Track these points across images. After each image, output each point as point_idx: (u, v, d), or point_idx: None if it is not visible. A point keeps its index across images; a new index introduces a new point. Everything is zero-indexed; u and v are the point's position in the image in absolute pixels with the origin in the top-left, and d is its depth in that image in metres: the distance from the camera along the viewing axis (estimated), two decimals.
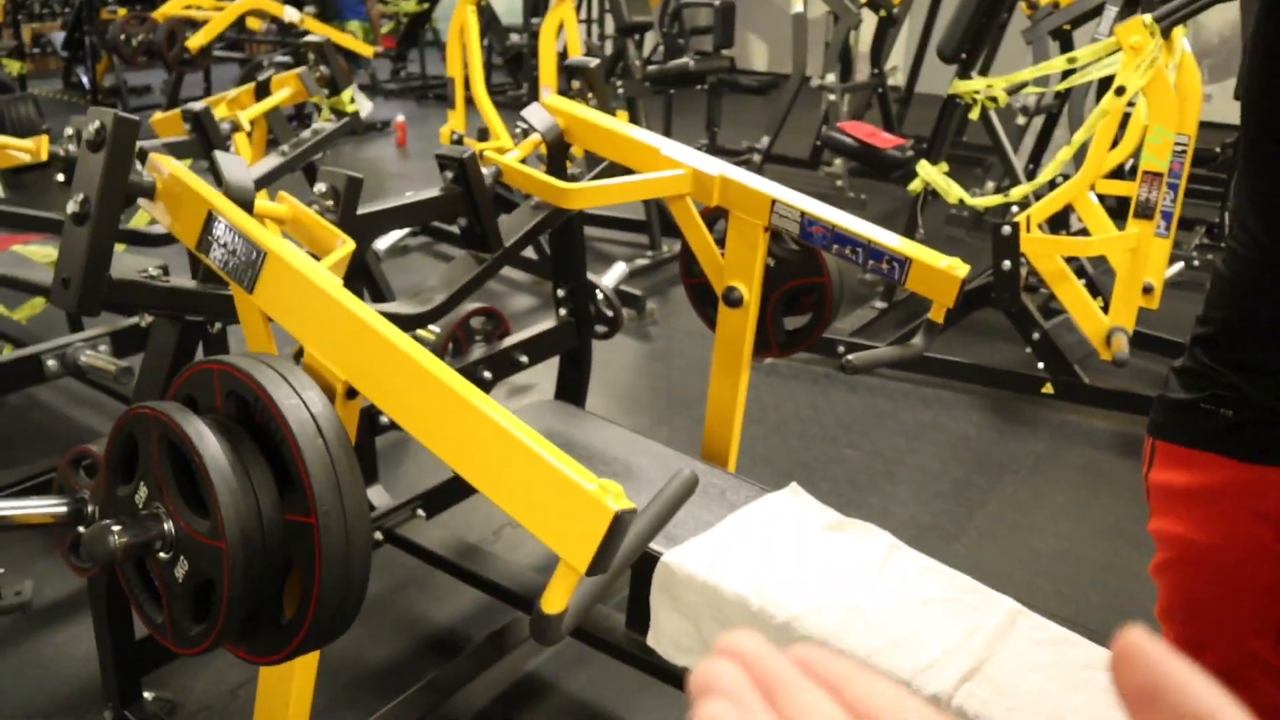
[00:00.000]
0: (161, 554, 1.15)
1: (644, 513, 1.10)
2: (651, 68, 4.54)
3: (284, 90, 2.65)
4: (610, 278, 3.51)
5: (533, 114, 2.12)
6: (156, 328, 1.58)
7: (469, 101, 4.44)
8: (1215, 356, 1.03)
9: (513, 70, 6.99)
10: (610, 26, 8.88)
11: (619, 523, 0.99)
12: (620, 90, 4.36)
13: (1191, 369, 1.05)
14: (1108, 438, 3.15)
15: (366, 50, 6.66)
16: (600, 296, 2.46)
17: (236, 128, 2.55)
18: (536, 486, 1.04)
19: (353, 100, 2.68)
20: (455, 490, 2.34)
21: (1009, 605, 1.47)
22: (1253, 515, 0.99)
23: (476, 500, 2.48)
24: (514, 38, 7.88)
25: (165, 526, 1.14)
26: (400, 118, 7.14)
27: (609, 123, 2.15)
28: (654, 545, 1.55)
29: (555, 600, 1.05)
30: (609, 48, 6.62)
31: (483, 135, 4.29)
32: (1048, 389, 3.30)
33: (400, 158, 6.87)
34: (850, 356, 1.81)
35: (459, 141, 3.95)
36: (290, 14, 6.20)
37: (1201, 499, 1.03)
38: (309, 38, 2.65)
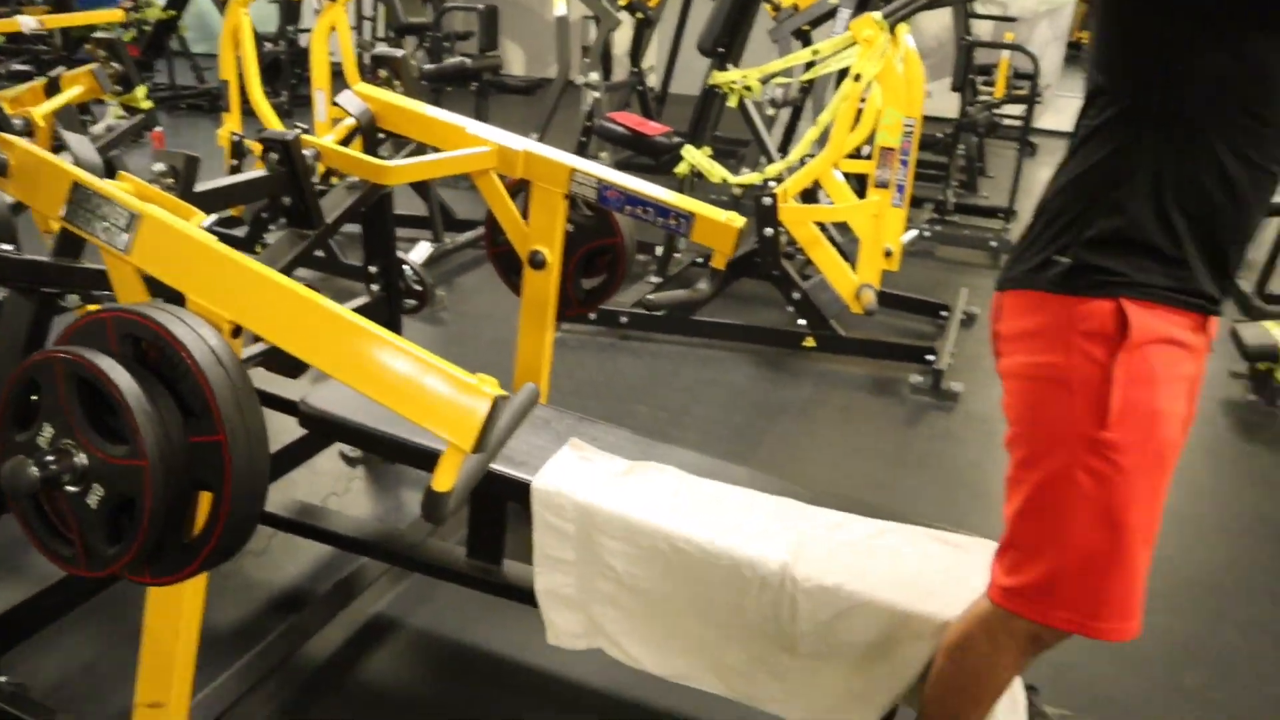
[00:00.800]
0: (70, 487, 1.28)
1: (508, 405, 1.33)
2: (428, 67, 4.69)
3: (75, 88, 2.67)
4: (417, 254, 3.67)
5: (347, 100, 2.28)
6: (10, 304, 1.66)
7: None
8: (1059, 217, 1.33)
9: (270, 78, 6.94)
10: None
11: (497, 406, 1.22)
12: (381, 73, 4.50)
13: (1044, 234, 1.34)
14: (863, 381, 3.60)
15: None
16: (409, 272, 2.64)
17: (30, 125, 2.56)
18: (424, 384, 1.25)
19: (147, 96, 2.73)
20: (288, 459, 2.47)
21: (794, 502, 1.81)
22: (1081, 334, 1.30)
23: (299, 474, 2.61)
24: (268, 45, 7.80)
25: (76, 460, 1.27)
26: (158, 128, 6.92)
27: (418, 106, 2.35)
28: (517, 473, 1.77)
29: (444, 480, 1.27)
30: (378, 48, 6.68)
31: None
32: (809, 343, 3.72)
33: None
34: (650, 295, 2.10)
35: (240, 141, 3.97)
36: (26, 24, 5.92)
37: (1045, 331, 1.33)
38: (99, 34, 2.68)
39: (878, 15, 3.33)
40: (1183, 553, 2.62)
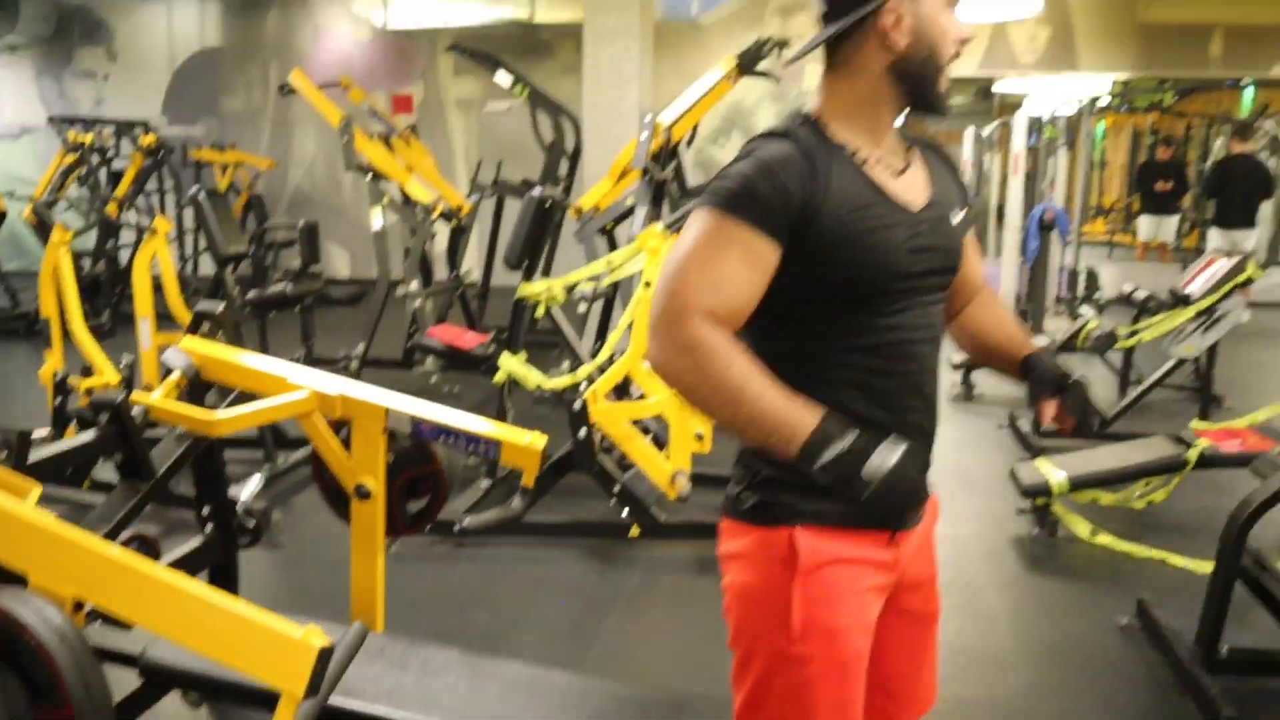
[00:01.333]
0: None
1: (337, 647, 1.50)
2: (251, 294, 4.87)
3: None
4: (247, 492, 3.75)
5: (172, 356, 2.46)
6: None
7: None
8: (744, 459, 1.57)
9: (90, 296, 6.97)
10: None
11: (323, 656, 1.40)
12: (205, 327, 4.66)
13: (738, 472, 1.58)
14: (689, 562, 3.84)
15: None
16: (241, 510, 2.77)
17: None
18: (256, 641, 1.42)
19: None
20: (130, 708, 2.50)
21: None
22: (769, 559, 1.50)
23: None
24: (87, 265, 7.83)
25: None
26: None
27: (239, 358, 2.54)
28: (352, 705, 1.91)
29: None
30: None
31: (86, 371, 4.38)
32: (634, 532, 3.96)
33: None
34: (466, 522, 2.30)
35: (64, 380, 4.03)
36: None
37: (746, 554, 1.54)
38: None
39: (659, 227, 3.75)
40: (979, 686, 2.92)
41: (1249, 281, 5.14)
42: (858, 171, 1.44)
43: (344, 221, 11.38)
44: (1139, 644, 3.18)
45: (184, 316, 5.27)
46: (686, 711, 1.98)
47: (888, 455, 1.34)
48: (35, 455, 2.01)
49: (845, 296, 1.44)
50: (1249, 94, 12.90)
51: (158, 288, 5.12)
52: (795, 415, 1.36)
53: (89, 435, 2.23)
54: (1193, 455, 3.97)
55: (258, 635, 1.41)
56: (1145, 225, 10.55)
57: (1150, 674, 3.02)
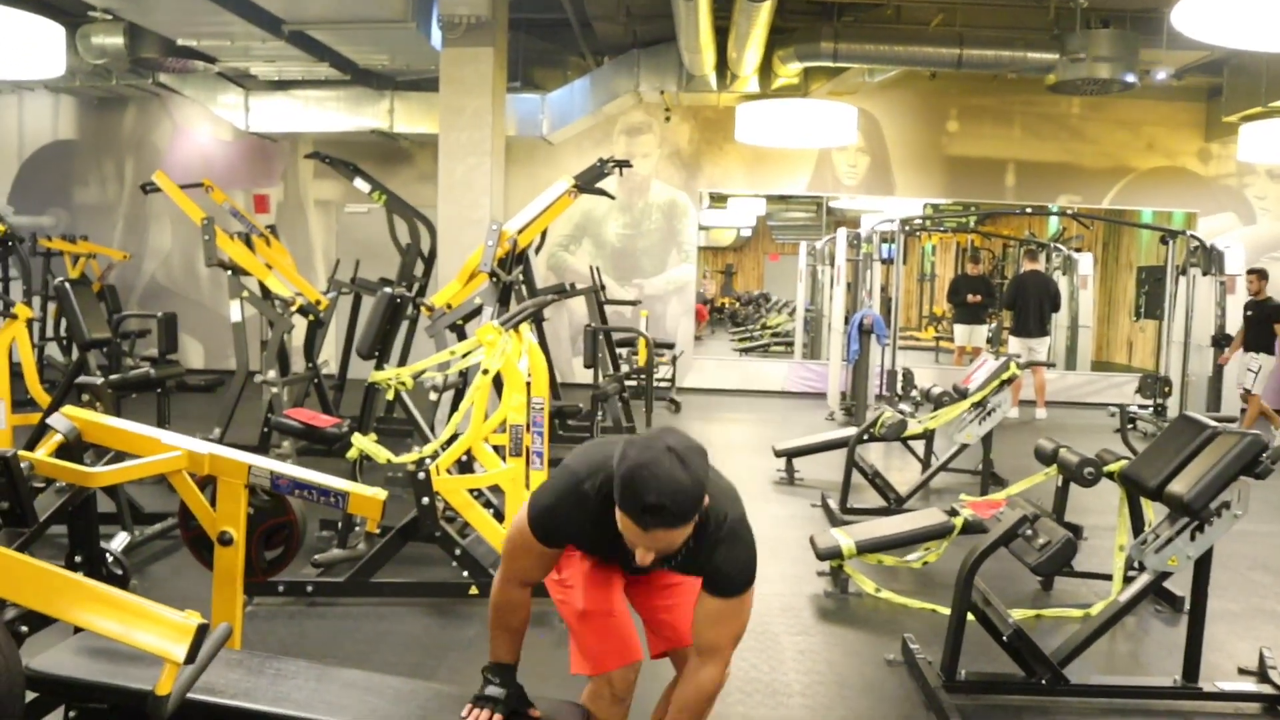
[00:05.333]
0: None
1: (210, 633, 1.90)
2: (116, 376, 5.13)
3: None
4: (116, 542, 4.01)
5: (56, 421, 2.80)
6: None
7: None
8: None
9: None
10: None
11: (202, 629, 1.80)
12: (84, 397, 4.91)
13: None
14: None
15: None
16: (110, 559, 3.08)
17: None
18: (146, 621, 1.81)
19: None
20: None
21: None
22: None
23: None
24: None
25: None
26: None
27: (116, 423, 2.90)
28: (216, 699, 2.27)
29: (165, 686, 1.81)
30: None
31: None
32: (474, 590, 4.36)
33: None
34: (317, 557, 2.70)
35: None
36: None
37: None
38: None
39: (495, 322, 4.26)
40: (763, 709, 3.40)
41: (1012, 379, 5.95)
42: None
43: (199, 313, 11.53)
44: (901, 675, 3.75)
45: (42, 399, 5.48)
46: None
47: None
48: None
49: None
50: (1053, 220, 14.44)
51: (15, 372, 5.33)
52: None
53: None
54: (959, 522, 4.64)
55: (150, 617, 1.80)
56: (960, 332, 11.63)
57: (906, 696, 3.58)
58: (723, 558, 2.15)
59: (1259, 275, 9.23)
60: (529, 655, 2.55)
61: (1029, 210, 12.39)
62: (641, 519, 1.93)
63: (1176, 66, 9.96)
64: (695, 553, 2.11)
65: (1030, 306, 10.16)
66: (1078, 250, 13.59)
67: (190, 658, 1.77)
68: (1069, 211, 11.61)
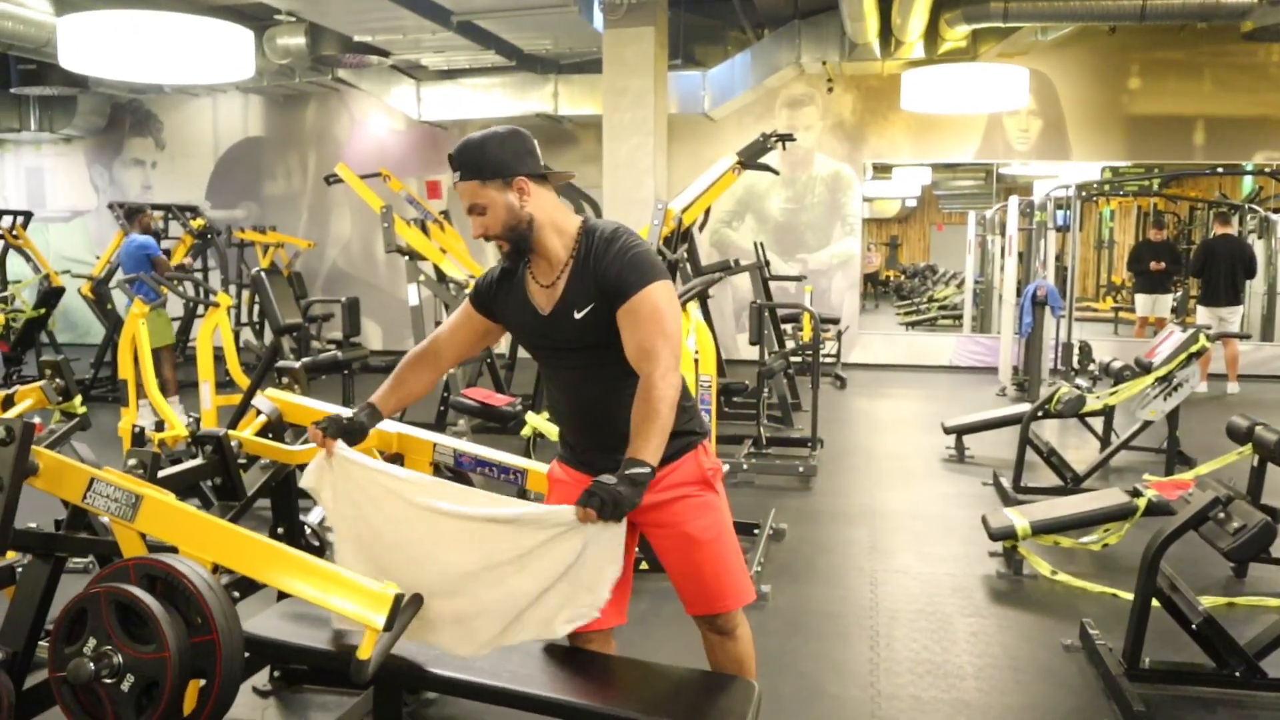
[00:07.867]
0: (107, 680, 1.90)
1: (406, 603, 2.03)
2: (307, 359, 5.47)
3: (27, 400, 3.33)
4: (314, 516, 4.29)
5: (260, 402, 3.02)
6: (30, 567, 2.28)
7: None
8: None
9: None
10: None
11: (398, 599, 1.92)
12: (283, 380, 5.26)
13: None
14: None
15: None
16: (308, 531, 3.31)
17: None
18: (346, 590, 1.95)
19: (83, 403, 3.41)
20: None
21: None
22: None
23: None
24: None
25: (115, 660, 1.89)
26: (36, 419, 7.40)
27: (313, 403, 3.10)
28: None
29: (365, 650, 1.95)
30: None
31: (159, 425, 4.96)
32: (644, 565, 4.45)
33: None
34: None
35: (141, 432, 4.60)
36: None
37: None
38: (45, 358, 3.38)
39: None
40: (934, 690, 3.37)
41: (1202, 351, 5.63)
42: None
43: (378, 297, 12.08)
44: (1080, 661, 3.64)
45: (241, 381, 5.88)
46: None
47: None
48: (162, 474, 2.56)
49: None
50: (1247, 180, 13.52)
51: (217, 356, 5.73)
52: None
53: (198, 461, 2.78)
54: (1142, 503, 4.44)
55: (350, 586, 1.94)
56: (1142, 302, 11.05)
57: (1085, 684, 3.47)
58: (611, 258, 2.22)
59: None
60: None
61: (1220, 170, 11.64)
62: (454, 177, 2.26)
63: None
64: (585, 262, 2.24)
65: (1221, 274, 9.54)
66: (1276, 211, 12.68)
67: (388, 625, 1.90)
68: (1267, 170, 10.85)
